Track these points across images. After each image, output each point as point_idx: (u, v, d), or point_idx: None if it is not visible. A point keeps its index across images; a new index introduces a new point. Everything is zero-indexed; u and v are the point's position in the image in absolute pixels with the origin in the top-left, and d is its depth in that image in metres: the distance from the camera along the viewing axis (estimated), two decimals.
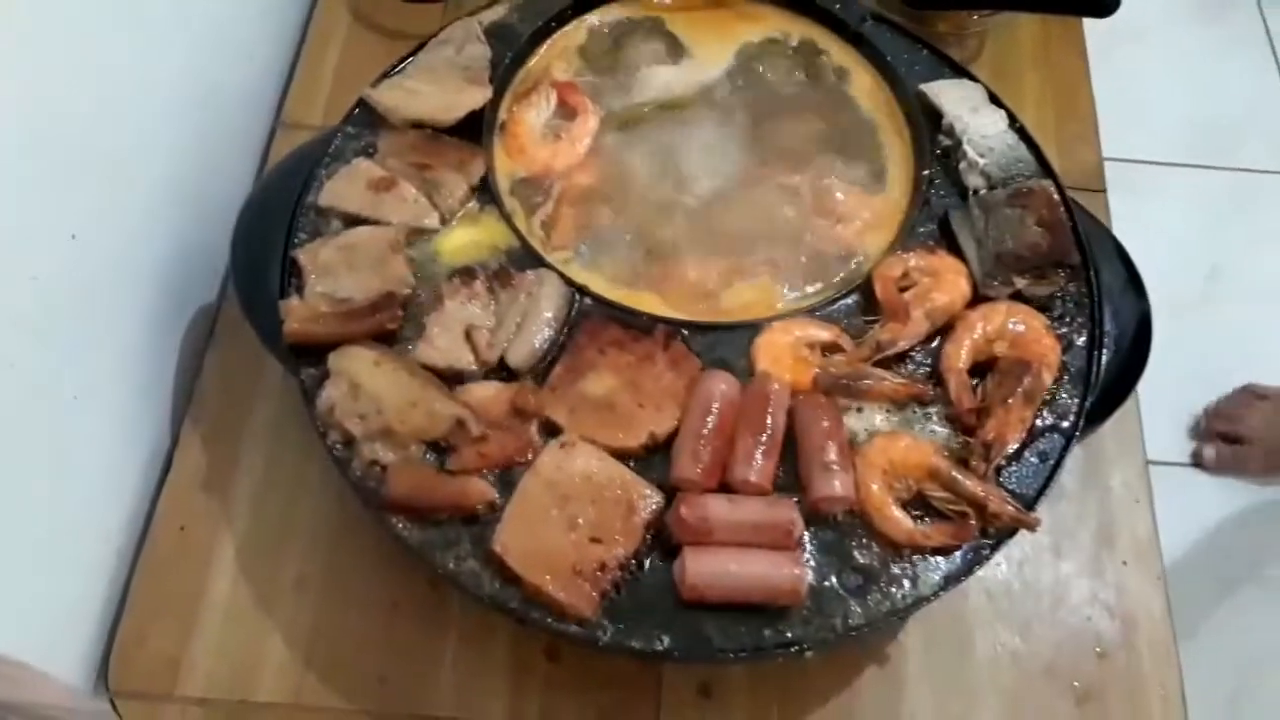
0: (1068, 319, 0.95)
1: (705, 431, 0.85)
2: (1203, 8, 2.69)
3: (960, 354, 0.91)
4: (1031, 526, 0.84)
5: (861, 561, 0.84)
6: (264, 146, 1.25)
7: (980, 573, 0.85)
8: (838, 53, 1.13)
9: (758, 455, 0.85)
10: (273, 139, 1.24)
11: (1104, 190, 1.27)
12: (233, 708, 0.94)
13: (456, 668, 0.96)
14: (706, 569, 0.80)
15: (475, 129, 1.02)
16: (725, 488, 0.85)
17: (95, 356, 0.95)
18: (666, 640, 0.81)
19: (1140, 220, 2.21)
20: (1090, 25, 1.40)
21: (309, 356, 0.90)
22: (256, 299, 0.96)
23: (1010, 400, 0.88)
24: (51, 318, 0.87)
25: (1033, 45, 1.36)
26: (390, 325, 0.90)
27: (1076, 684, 0.98)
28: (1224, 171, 2.46)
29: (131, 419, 1.02)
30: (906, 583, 0.83)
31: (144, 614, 0.97)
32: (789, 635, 0.81)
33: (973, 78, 1.09)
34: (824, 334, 0.93)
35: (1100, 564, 1.04)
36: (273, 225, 0.98)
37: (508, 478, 0.86)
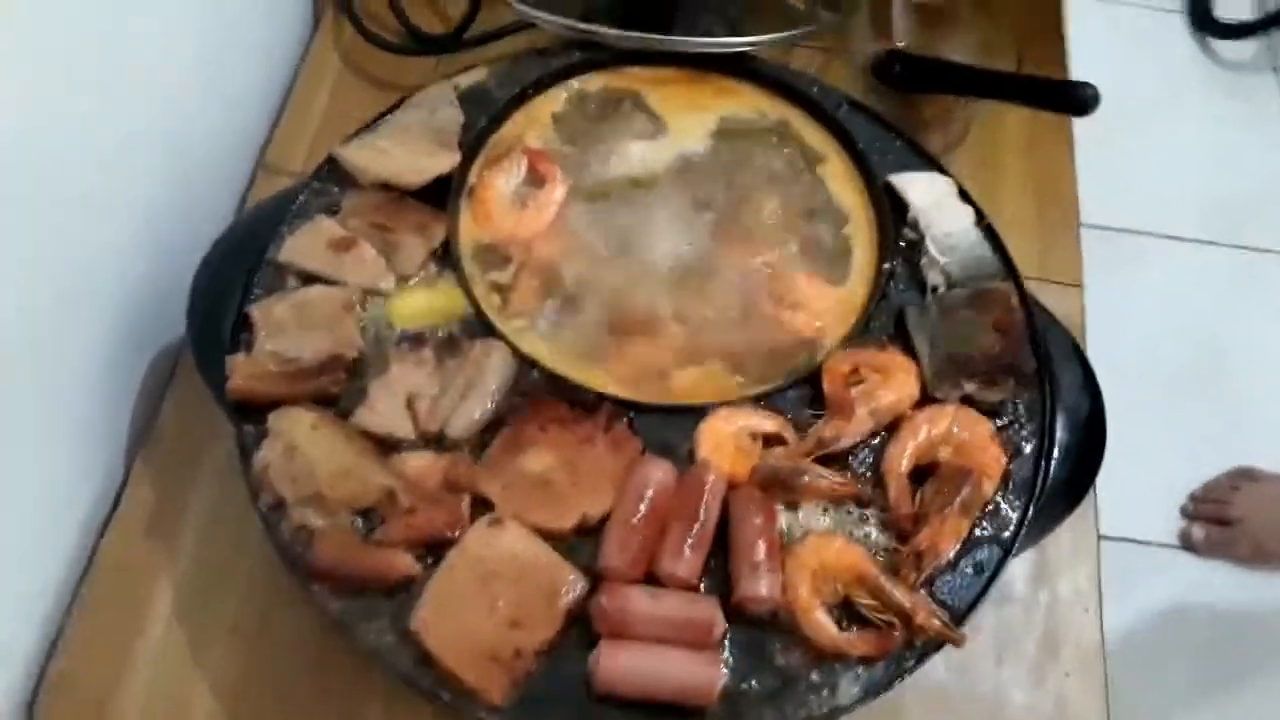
0: (1017, 425, 0.95)
1: (635, 520, 0.85)
2: (1217, 80, 2.68)
3: (902, 457, 0.91)
4: (958, 642, 0.83)
5: (782, 664, 0.83)
6: (244, 189, 1.26)
7: (914, 677, 0.84)
8: (813, 136, 1.13)
9: (686, 549, 0.84)
10: (254, 183, 1.25)
11: (1080, 285, 1.26)
12: None
13: None
14: (621, 663, 0.80)
15: (442, 193, 1.03)
16: (651, 578, 0.85)
17: (49, 388, 0.96)
18: None
19: (1141, 293, 2.22)
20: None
21: (251, 414, 0.91)
22: (209, 351, 0.96)
23: (947, 510, 0.87)
24: (6, 345, 0.87)
25: (1018, 131, 1.36)
26: (333, 389, 0.90)
27: None
28: (1231, 249, 2.44)
29: (82, 455, 1.03)
30: (825, 691, 0.82)
31: (76, 656, 0.97)
32: None
33: (944, 171, 1.09)
34: (768, 424, 0.92)
35: (1042, 673, 1.02)
36: (232, 278, 0.98)
37: (436, 552, 0.86)
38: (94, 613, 0.99)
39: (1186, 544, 1.99)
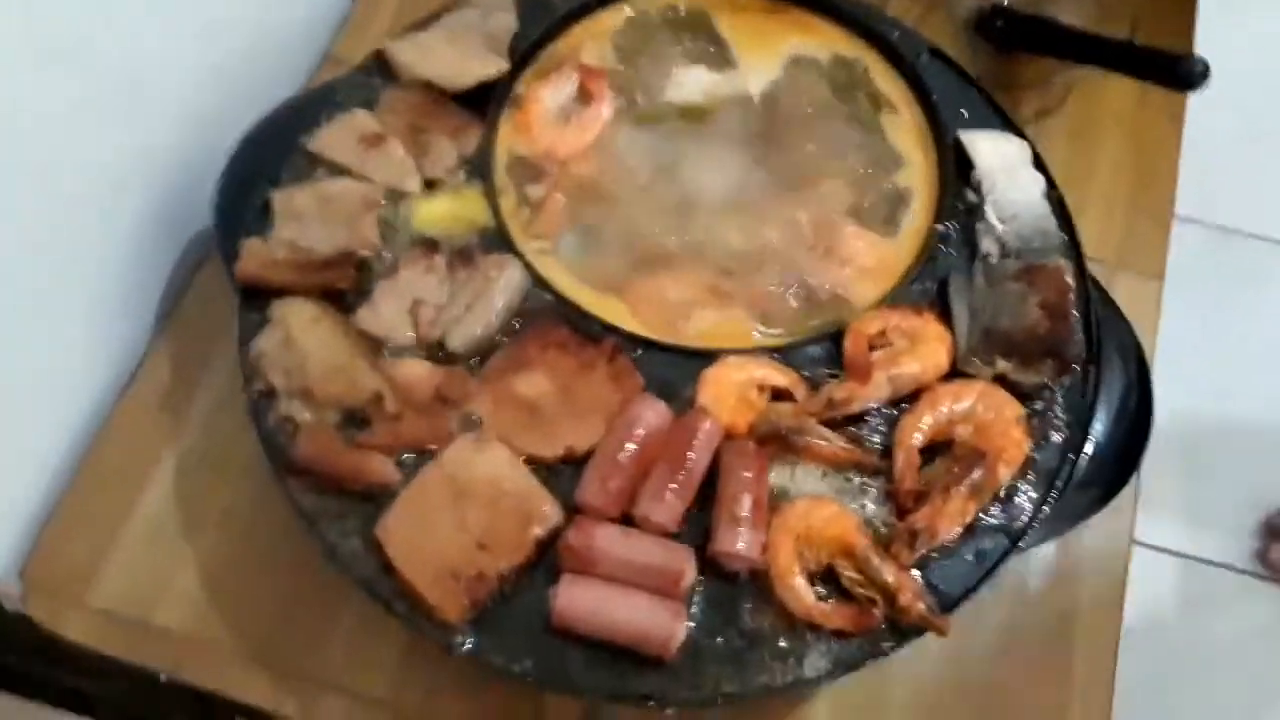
0: (1050, 413, 0.87)
1: (620, 458, 0.81)
2: None
3: (916, 429, 0.85)
4: (941, 630, 0.78)
5: (750, 626, 0.79)
6: (307, 80, 1.24)
7: (904, 666, 0.79)
8: (886, 82, 1.06)
9: (668, 493, 0.80)
10: (317, 75, 1.24)
11: (1160, 278, 1.16)
12: (131, 626, 0.95)
13: (351, 636, 0.94)
14: (579, 601, 0.77)
15: (485, 99, 1.00)
16: (628, 520, 0.81)
17: (78, 258, 0.97)
18: (527, 664, 0.78)
19: (1243, 301, 2.05)
20: None
21: (258, 300, 0.90)
22: (232, 233, 0.95)
23: (953, 490, 0.81)
24: (42, 207, 0.87)
25: (1121, 102, 1.24)
26: (341, 284, 0.89)
27: None
28: None
29: (105, 328, 1.04)
30: (792, 660, 0.78)
31: (72, 520, 0.98)
32: (652, 688, 0.77)
33: (1020, 134, 1.00)
34: (779, 378, 0.87)
35: (1046, 677, 0.95)
36: (265, 163, 0.97)
37: (419, 462, 0.84)
38: (93, 483, 1.01)
39: (1264, 561, 1.86)
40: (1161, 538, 1.79)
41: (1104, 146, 1.23)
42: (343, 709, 0.92)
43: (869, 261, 0.96)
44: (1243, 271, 2.11)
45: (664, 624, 0.76)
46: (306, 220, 0.92)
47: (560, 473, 0.84)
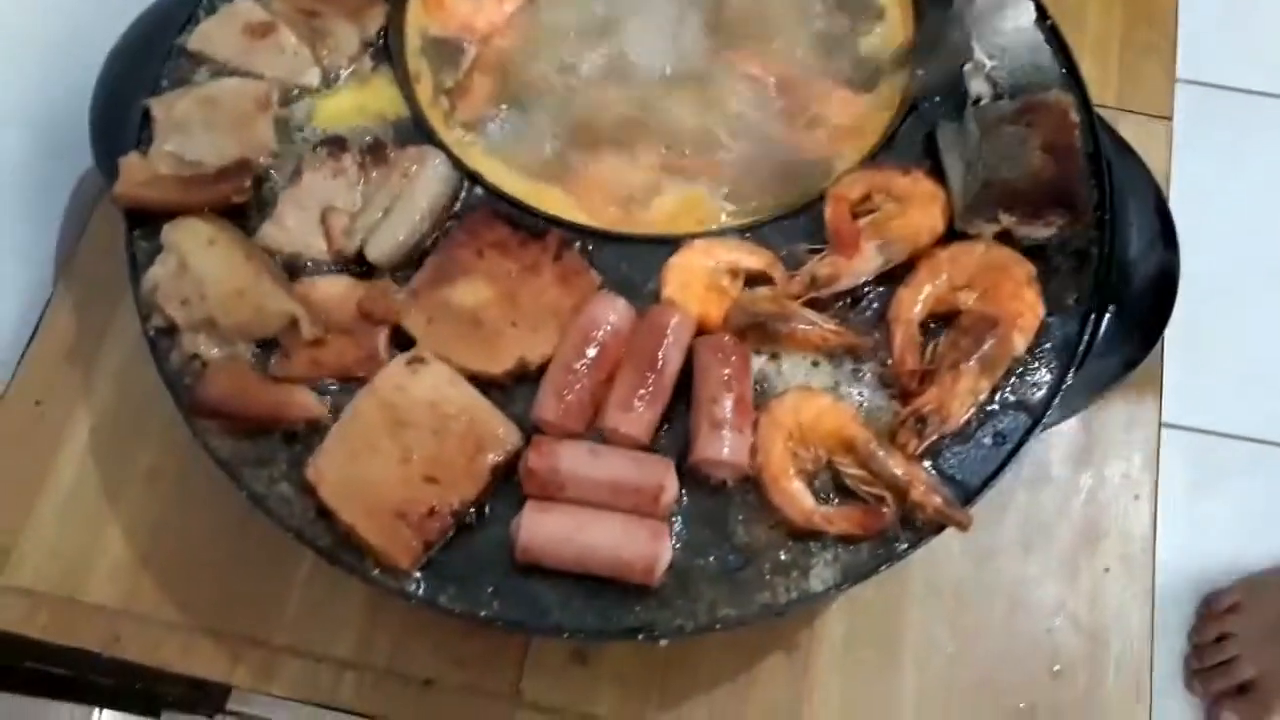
0: (1064, 272, 0.77)
1: (579, 365, 0.71)
2: None
3: (915, 301, 0.74)
4: (963, 524, 0.68)
5: (744, 540, 0.69)
6: None
7: (922, 564, 0.70)
8: None
9: (637, 401, 0.70)
10: None
11: (1169, 118, 1.04)
12: (59, 604, 0.85)
13: (307, 591, 0.85)
14: (545, 530, 0.67)
15: None
16: (596, 435, 0.71)
17: None
18: (496, 606, 0.68)
19: (1255, 162, 1.91)
20: None
21: (148, 226, 0.78)
22: (111, 152, 0.82)
23: (963, 365, 0.70)
24: None
25: None
26: (237, 198, 0.77)
27: (1022, 705, 0.83)
28: None
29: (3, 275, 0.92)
30: (795, 573, 0.69)
31: None
32: (639, 620, 0.67)
33: None
34: (752, 260, 0.76)
35: (1076, 567, 0.87)
36: (142, 69, 0.84)
37: (350, 393, 0.73)
38: (3, 448, 0.90)
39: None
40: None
41: None
42: (303, 673, 0.83)
43: (844, 120, 0.85)
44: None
45: (644, 547, 0.66)
46: (191, 129, 0.79)
47: (513, 391, 0.74)
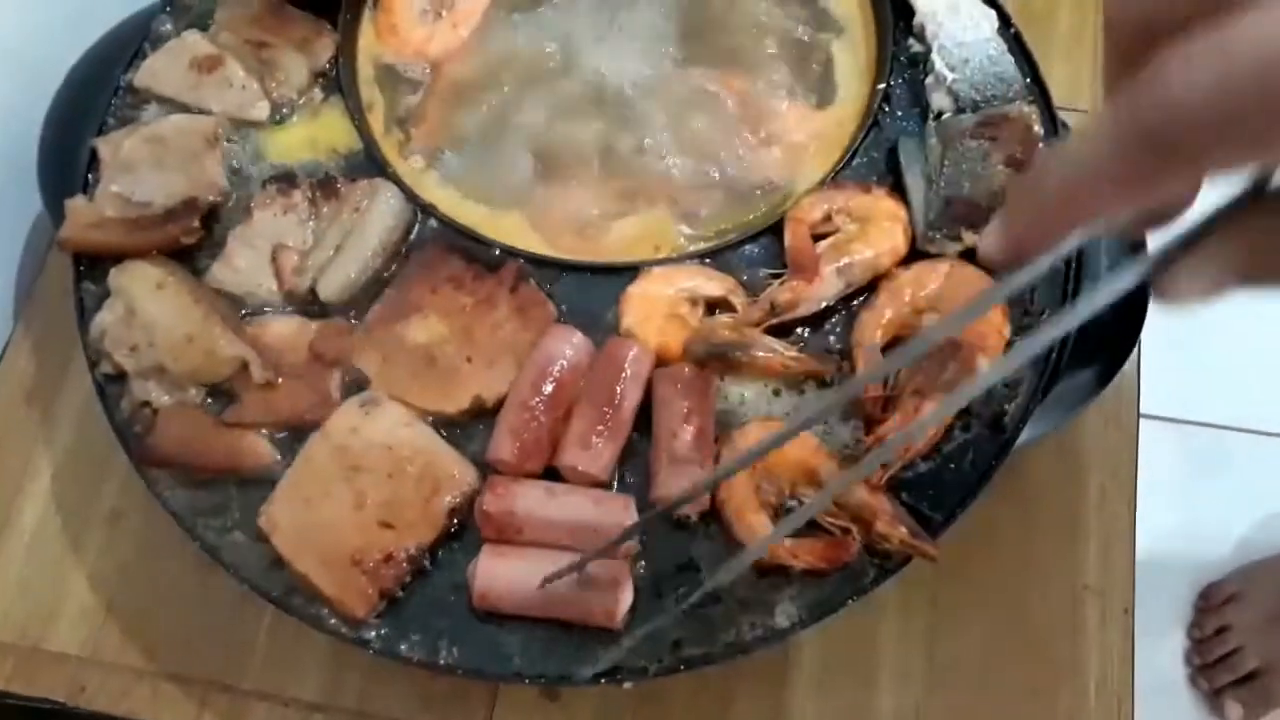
0: (1030, 290, 0.75)
1: (535, 402, 0.69)
2: None
3: (878, 325, 0.72)
4: (929, 556, 0.67)
5: (706, 575, 0.68)
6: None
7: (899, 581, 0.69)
8: None
9: (595, 438, 0.68)
10: None
11: None
12: (23, 654, 0.84)
13: (274, 634, 0.83)
14: (502, 576, 0.65)
15: (334, 1, 0.84)
16: (553, 474, 0.69)
17: None
18: (455, 653, 0.67)
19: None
20: None
21: (96, 270, 0.76)
22: (60, 195, 0.81)
23: (926, 391, 0.69)
24: None
25: None
26: (185, 239, 0.75)
27: None
28: None
29: None
30: (760, 610, 0.67)
31: None
32: (602, 663, 0.66)
33: None
34: (712, 287, 0.74)
35: (1053, 584, 0.85)
36: (88, 108, 0.83)
37: (301, 438, 0.71)
38: None
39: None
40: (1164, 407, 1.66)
41: None
42: (270, 717, 0.81)
43: (801, 137, 0.83)
44: None
45: (604, 591, 0.65)
46: (139, 169, 0.78)
47: (470, 429, 0.72)
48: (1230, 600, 1.59)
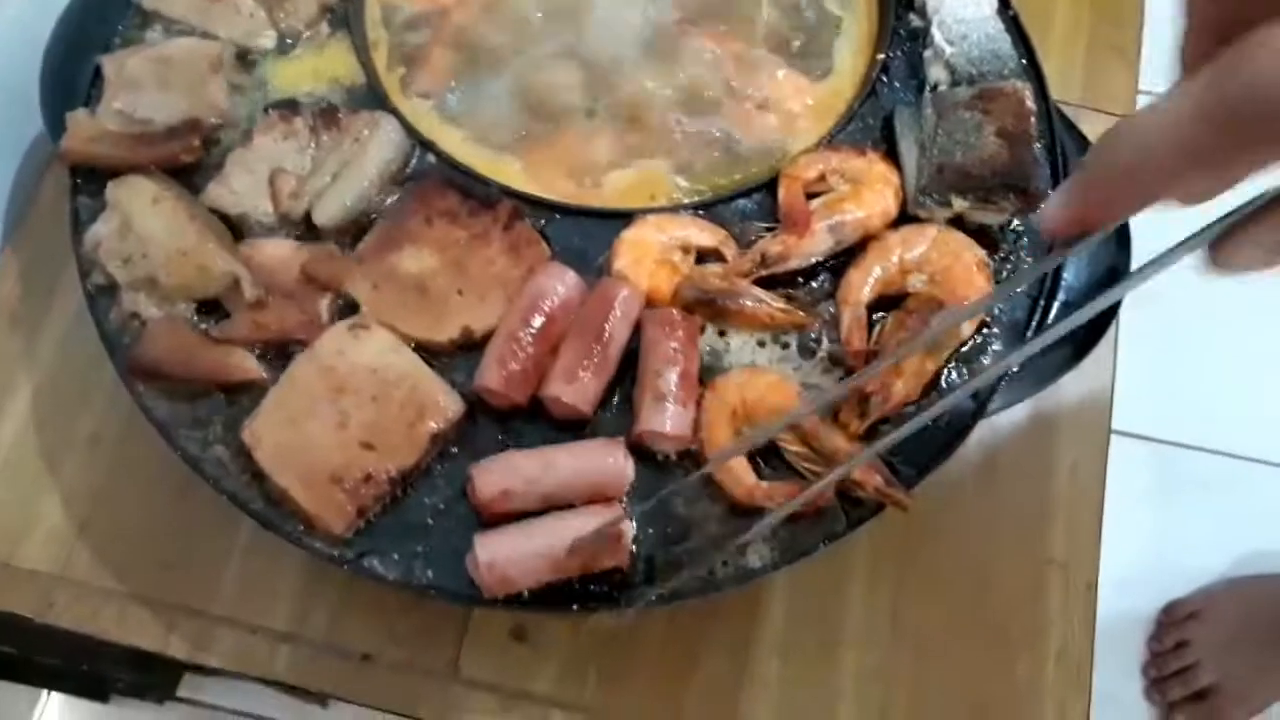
0: (1015, 257, 0.77)
1: (524, 334, 0.70)
2: None
3: (864, 283, 0.74)
4: (902, 505, 0.68)
5: (684, 514, 0.69)
6: None
7: (866, 546, 0.69)
8: None
9: (581, 371, 0.69)
10: None
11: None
12: None
13: (246, 563, 0.83)
14: (504, 563, 0.65)
15: None
16: (536, 404, 0.70)
17: None
18: (431, 574, 0.67)
19: None
20: None
21: (94, 183, 0.76)
22: (61, 110, 0.81)
23: (908, 347, 0.70)
24: None
25: None
26: (185, 157, 0.76)
27: (960, 689, 0.82)
28: None
29: None
30: (731, 550, 0.68)
31: None
32: (575, 593, 0.67)
33: None
34: (704, 237, 0.76)
35: (1021, 557, 0.86)
36: (95, 27, 0.83)
37: (290, 357, 0.72)
38: None
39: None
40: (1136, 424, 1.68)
41: None
42: (239, 644, 0.82)
43: (799, 104, 0.84)
44: None
45: (610, 540, 0.65)
46: (143, 87, 0.78)
47: (457, 360, 0.73)
48: (1192, 617, 1.61)
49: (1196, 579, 1.66)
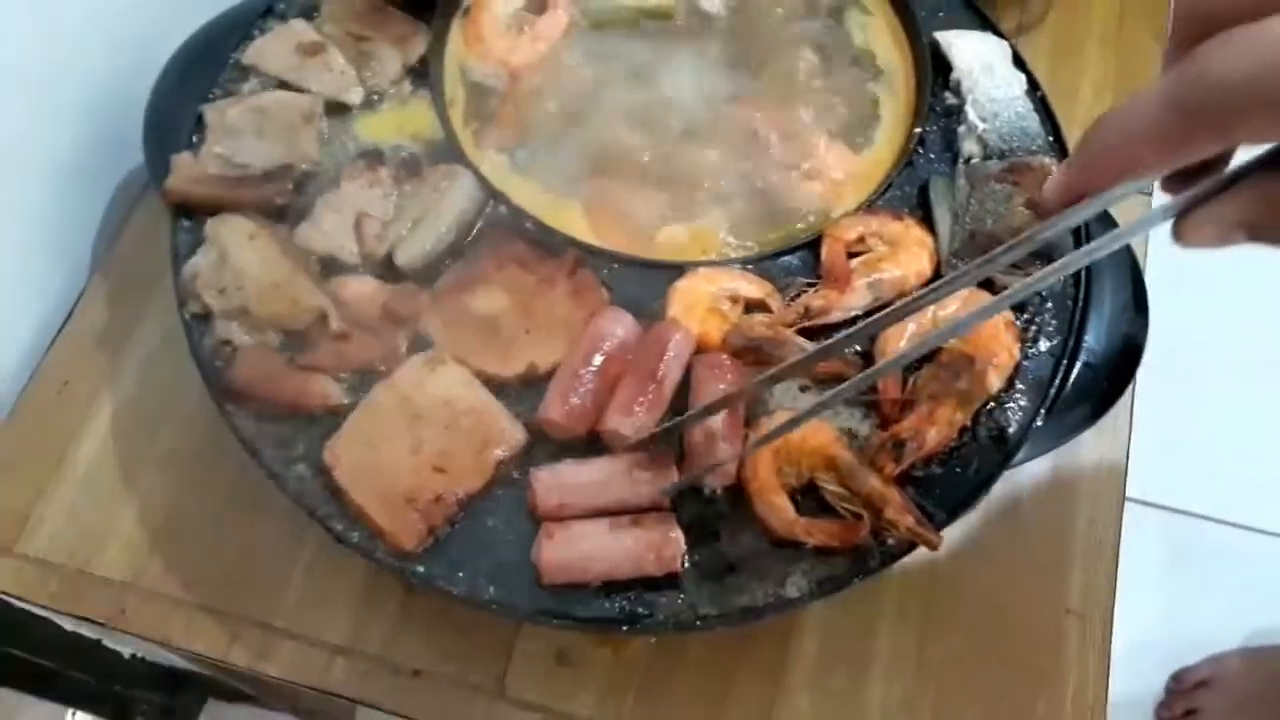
0: (1040, 318, 0.83)
1: (585, 371, 0.76)
2: None
3: (900, 337, 0.79)
4: (931, 544, 0.73)
5: (727, 546, 0.74)
6: None
7: (897, 585, 0.73)
8: None
9: (636, 407, 0.75)
10: None
11: (1150, 193, 1.11)
12: (69, 575, 0.89)
13: (307, 579, 0.89)
14: (561, 562, 0.71)
15: (430, 6, 0.93)
16: (594, 437, 0.76)
17: (6, 196, 0.90)
18: (492, 590, 0.72)
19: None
20: None
21: (193, 220, 0.83)
22: (163, 152, 0.88)
23: (940, 398, 0.76)
24: None
25: (1104, 18, 1.20)
26: (279, 199, 0.82)
27: None
28: None
29: (38, 268, 0.97)
30: (771, 580, 0.73)
31: (4, 465, 0.92)
32: (624, 613, 0.72)
33: (999, 34, 0.95)
34: (751, 289, 0.82)
35: (1039, 604, 0.91)
36: (197, 78, 0.91)
37: (369, 385, 0.78)
38: (29, 425, 0.94)
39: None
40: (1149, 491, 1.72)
41: (1085, 64, 1.19)
42: (297, 655, 0.86)
43: (843, 173, 0.91)
44: None
45: (659, 544, 0.71)
46: (241, 135, 0.85)
47: (522, 394, 0.79)
48: (1201, 685, 1.64)
49: (1206, 649, 1.69)
